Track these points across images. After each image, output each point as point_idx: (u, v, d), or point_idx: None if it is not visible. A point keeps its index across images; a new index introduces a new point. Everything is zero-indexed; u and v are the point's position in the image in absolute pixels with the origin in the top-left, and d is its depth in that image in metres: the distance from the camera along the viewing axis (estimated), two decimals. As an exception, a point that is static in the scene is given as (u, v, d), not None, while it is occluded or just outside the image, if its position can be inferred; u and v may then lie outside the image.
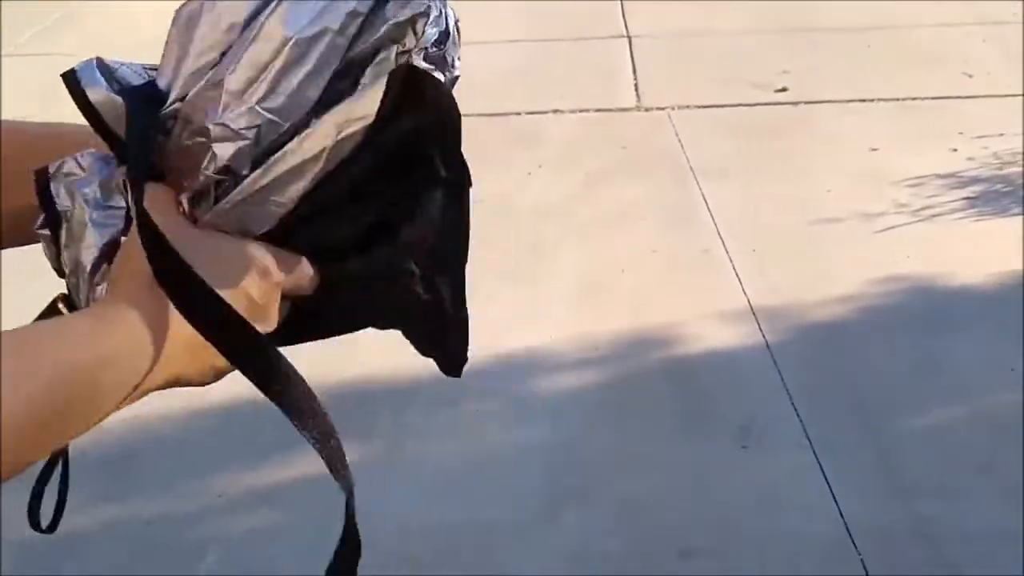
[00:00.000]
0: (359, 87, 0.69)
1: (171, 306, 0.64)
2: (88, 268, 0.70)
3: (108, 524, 2.61)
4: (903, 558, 2.44)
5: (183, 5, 0.70)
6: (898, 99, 4.89)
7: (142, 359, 0.63)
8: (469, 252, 0.78)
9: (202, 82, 0.69)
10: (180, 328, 0.64)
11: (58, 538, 2.58)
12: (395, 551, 2.51)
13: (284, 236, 0.72)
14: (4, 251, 0.84)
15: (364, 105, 0.69)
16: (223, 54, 0.69)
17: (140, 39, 5.87)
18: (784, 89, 5.05)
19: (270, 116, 0.68)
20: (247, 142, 0.68)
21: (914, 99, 4.89)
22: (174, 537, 2.59)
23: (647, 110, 4.94)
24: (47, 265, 0.74)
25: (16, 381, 0.56)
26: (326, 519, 2.93)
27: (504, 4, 5.92)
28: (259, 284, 0.69)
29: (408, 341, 0.83)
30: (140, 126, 0.69)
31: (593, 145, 4.58)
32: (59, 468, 0.77)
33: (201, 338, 0.65)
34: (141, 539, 2.58)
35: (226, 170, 0.69)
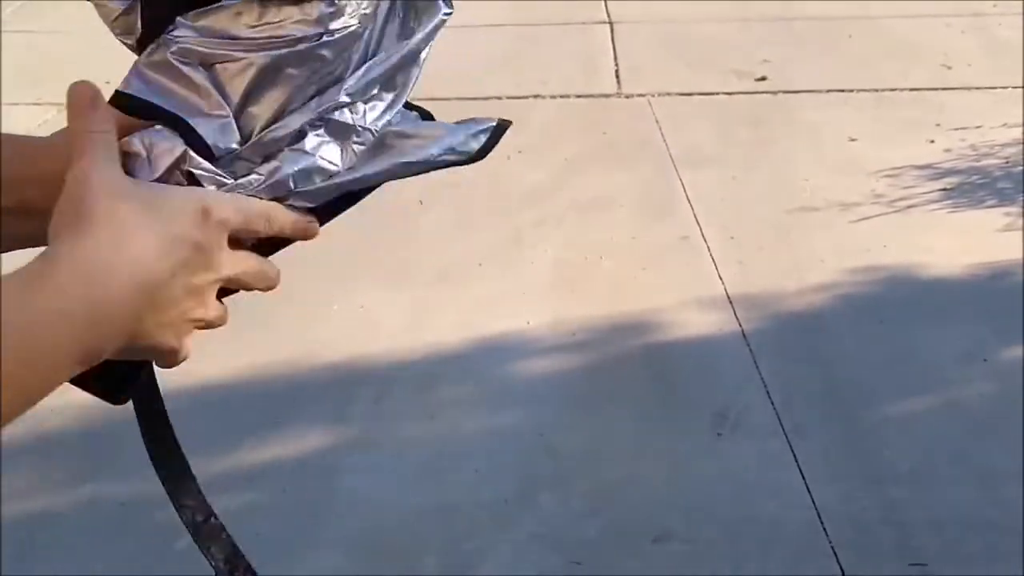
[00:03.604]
0: None
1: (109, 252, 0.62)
2: None
3: (84, 504, 2.60)
4: (874, 545, 2.47)
5: None
6: (877, 90, 4.92)
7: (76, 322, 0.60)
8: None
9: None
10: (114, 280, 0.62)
11: (34, 516, 2.58)
12: (369, 534, 2.52)
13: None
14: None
15: None
16: None
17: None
18: (764, 78, 5.06)
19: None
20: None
21: (893, 90, 4.91)
22: (149, 518, 2.58)
23: (628, 96, 4.94)
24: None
25: None
26: (303, 500, 2.94)
27: (486, -12, 5.92)
28: (201, 225, 0.65)
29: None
30: None
31: (573, 131, 4.59)
32: None
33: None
34: (116, 519, 2.58)
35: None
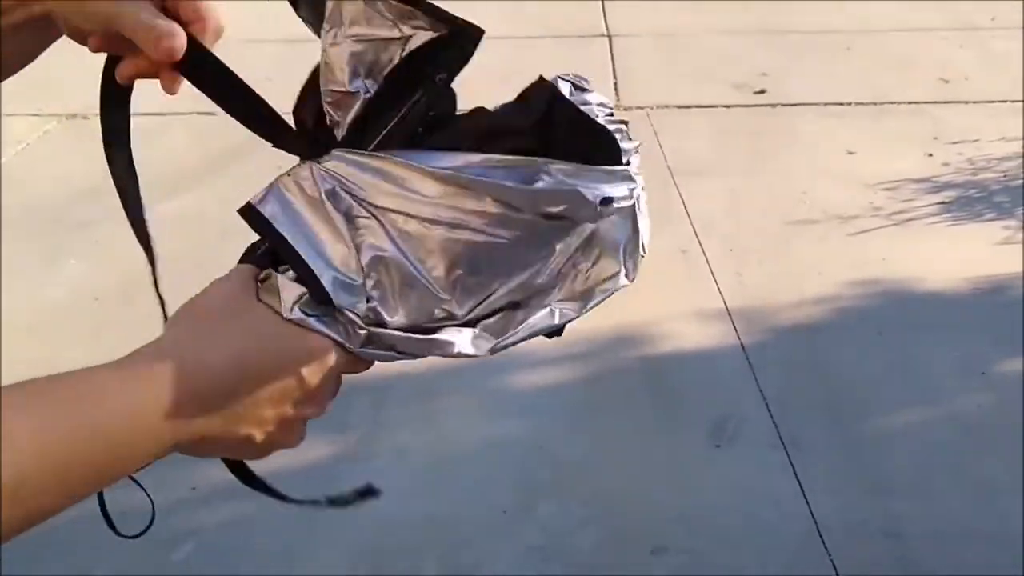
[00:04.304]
0: None
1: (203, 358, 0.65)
2: None
3: (83, 510, 2.59)
4: (872, 557, 2.46)
5: None
6: (875, 103, 4.93)
7: (166, 415, 0.64)
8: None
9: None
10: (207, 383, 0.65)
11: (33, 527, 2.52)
12: (368, 544, 2.51)
13: None
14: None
15: None
16: None
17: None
18: (763, 91, 5.08)
19: None
20: None
21: (891, 103, 4.93)
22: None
23: (626, 109, 4.95)
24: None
25: (35, 437, 0.57)
26: (300, 512, 2.94)
27: (485, 2, 5.91)
28: (311, 367, 0.69)
29: None
30: None
31: (572, 143, 4.59)
32: None
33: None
34: (117, 527, 2.57)
35: None
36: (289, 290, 0.67)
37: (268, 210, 0.68)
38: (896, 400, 2.98)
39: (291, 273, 0.68)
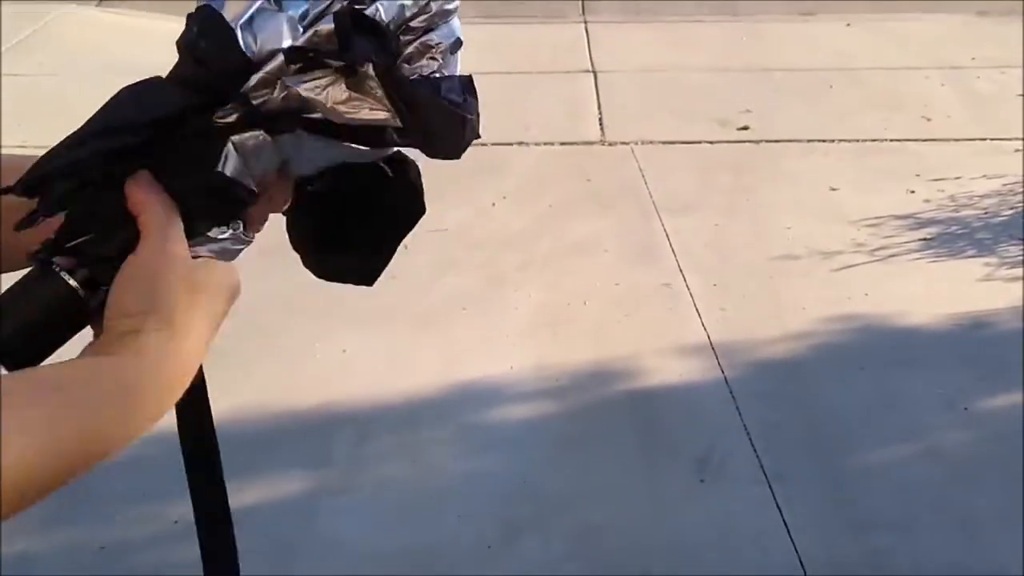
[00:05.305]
0: None
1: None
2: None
3: (62, 548, 2.58)
4: (855, 593, 2.47)
5: None
6: (858, 140, 4.97)
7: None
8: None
9: None
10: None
11: (13, 560, 2.53)
12: (351, 579, 2.50)
13: None
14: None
15: None
16: None
17: (109, 58, 5.84)
18: (746, 127, 5.11)
19: None
20: None
21: (873, 141, 4.97)
22: (129, 562, 2.56)
23: (611, 144, 4.98)
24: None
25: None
26: (282, 545, 2.91)
27: (472, 36, 5.89)
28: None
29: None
30: None
31: (557, 178, 4.62)
32: None
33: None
34: (95, 564, 2.56)
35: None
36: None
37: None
38: (879, 435, 2.99)
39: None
